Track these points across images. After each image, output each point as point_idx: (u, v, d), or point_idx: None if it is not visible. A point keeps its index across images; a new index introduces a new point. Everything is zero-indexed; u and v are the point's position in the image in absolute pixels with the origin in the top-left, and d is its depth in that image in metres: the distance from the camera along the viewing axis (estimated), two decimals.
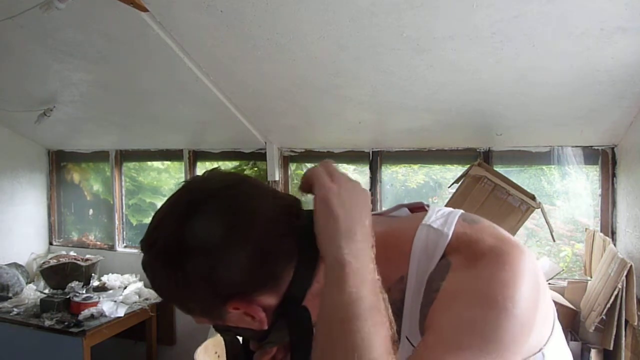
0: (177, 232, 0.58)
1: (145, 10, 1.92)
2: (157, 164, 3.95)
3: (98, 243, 3.98)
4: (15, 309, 3.08)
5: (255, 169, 3.49)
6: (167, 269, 0.59)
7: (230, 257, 0.58)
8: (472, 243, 0.61)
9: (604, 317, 2.02)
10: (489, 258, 0.58)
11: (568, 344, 0.76)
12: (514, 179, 2.34)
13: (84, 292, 3.17)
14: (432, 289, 0.61)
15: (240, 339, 0.70)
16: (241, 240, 0.58)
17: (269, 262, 0.60)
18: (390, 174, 3.14)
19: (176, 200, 0.62)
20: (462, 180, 2.32)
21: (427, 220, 0.67)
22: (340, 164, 3.29)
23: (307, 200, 0.68)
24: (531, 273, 0.58)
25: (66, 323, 2.85)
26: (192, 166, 3.56)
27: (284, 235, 0.60)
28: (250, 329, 0.63)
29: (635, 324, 1.96)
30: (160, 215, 0.61)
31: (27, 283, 3.47)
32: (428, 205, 0.74)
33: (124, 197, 3.89)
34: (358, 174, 3.21)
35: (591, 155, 2.58)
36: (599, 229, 2.56)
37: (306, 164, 3.39)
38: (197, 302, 0.61)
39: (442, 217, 0.67)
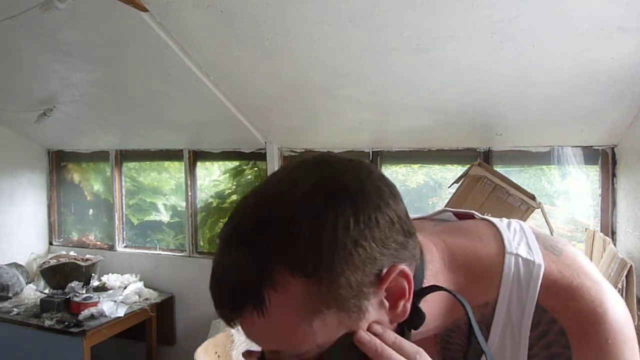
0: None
1: (145, 10, 1.92)
2: (157, 163, 3.95)
3: (98, 243, 3.98)
4: (15, 309, 3.09)
5: (255, 169, 3.49)
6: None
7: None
8: (575, 292, 0.58)
9: None
10: (609, 332, 0.56)
11: None
12: (514, 179, 2.34)
13: (84, 292, 3.17)
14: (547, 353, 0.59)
15: None
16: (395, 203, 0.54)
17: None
18: (390, 173, 3.14)
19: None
20: (462, 180, 2.32)
21: (510, 248, 0.63)
22: None
23: None
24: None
25: (66, 323, 2.85)
26: (192, 166, 3.57)
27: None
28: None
29: (636, 324, 1.96)
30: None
31: (27, 283, 3.47)
32: (474, 215, 0.71)
33: (124, 197, 3.89)
34: None
35: (591, 155, 2.58)
36: (599, 229, 2.56)
37: None
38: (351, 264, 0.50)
39: (522, 241, 0.64)
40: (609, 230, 2.54)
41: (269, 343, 0.53)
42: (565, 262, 0.62)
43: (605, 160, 2.56)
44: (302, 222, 0.48)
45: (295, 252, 0.48)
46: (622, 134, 2.41)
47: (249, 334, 0.53)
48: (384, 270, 0.52)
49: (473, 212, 0.74)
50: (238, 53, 2.23)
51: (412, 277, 0.54)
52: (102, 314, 2.97)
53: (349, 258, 0.49)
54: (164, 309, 3.45)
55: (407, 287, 0.54)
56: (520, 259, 0.62)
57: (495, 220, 0.70)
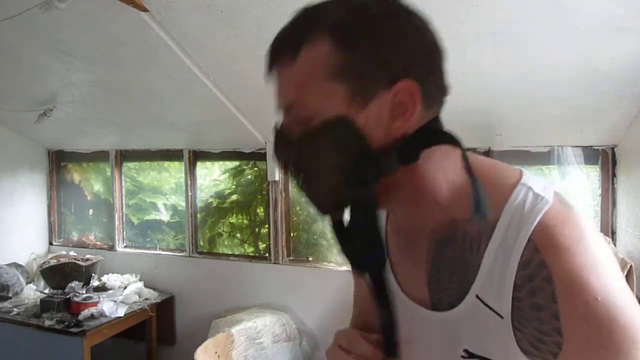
0: None
1: (145, 10, 1.92)
2: (157, 163, 3.95)
3: (98, 243, 3.98)
4: (15, 309, 3.08)
5: (255, 169, 3.49)
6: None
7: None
8: (566, 238, 0.57)
9: None
10: (598, 290, 0.54)
11: None
12: None
13: (84, 292, 3.17)
14: (531, 287, 0.58)
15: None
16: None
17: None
18: None
19: None
20: None
21: (527, 181, 0.63)
22: None
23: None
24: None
25: (66, 323, 2.85)
26: (192, 166, 3.57)
27: None
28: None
29: None
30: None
31: (27, 283, 3.47)
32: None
33: (124, 197, 3.89)
34: None
35: (591, 155, 2.58)
36: (599, 229, 2.56)
37: None
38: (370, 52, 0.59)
39: (540, 181, 0.64)
40: (609, 230, 2.54)
41: (287, 92, 0.63)
42: (571, 216, 0.60)
43: (605, 160, 2.56)
44: (350, 4, 0.60)
45: (338, 20, 0.58)
46: (622, 134, 2.41)
47: (278, 81, 0.64)
48: (398, 82, 0.58)
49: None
50: (238, 53, 2.23)
51: (418, 98, 0.59)
52: (102, 314, 2.97)
53: (379, 43, 0.58)
54: (164, 309, 3.45)
55: (410, 104, 0.59)
56: (531, 192, 0.62)
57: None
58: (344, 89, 0.58)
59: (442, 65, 0.62)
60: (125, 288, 3.35)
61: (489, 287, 0.61)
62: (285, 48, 0.61)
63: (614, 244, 2.43)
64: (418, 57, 0.60)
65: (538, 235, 0.58)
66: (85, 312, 2.95)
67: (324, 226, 3.28)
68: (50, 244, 4.08)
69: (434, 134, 0.63)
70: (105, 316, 2.96)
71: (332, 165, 0.60)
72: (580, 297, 0.54)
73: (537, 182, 0.64)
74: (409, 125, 0.60)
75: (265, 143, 3.15)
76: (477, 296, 0.62)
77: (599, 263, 0.56)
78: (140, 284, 3.45)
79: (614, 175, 2.53)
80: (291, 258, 3.30)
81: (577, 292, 0.54)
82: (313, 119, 0.60)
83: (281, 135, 0.68)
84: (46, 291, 3.29)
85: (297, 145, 0.63)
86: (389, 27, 0.59)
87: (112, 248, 3.85)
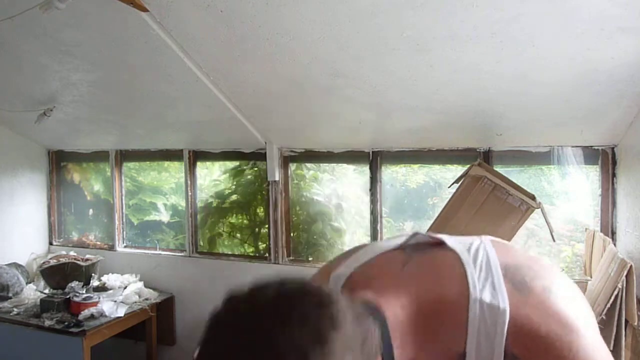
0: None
1: (145, 10, 1.92)
2: (157, 163, 3.95)
3: (98, 243, 3.98)
4: (15, 309, 3.09)
5: (255, 169, 3.49)
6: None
7: None
8: (538, 338, 0.58)
9: (604, 317, 2.01)
10: None
11: None
12: (514, 179, 2.34)
13: (84, 292, 3.17)
14: None
15: None
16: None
17: None
18: (390, 173, 3.14)
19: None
20: (462, 180, 2.32)
21: (475, 291, 0.63)
22: (340, 164, 3.30)
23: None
24: None
25: (66, 323, 2.86)
26: (192, 166, 3.57)
27: None
28: None
29: (635, 324, 1.96)
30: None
31: (27, 283, 3.47)
32: (443, 242, 0.72)
33: (124, 197, 3.89)
34: (358, 174, 3.22)
35: (591, 155, 2.58)
36: (599, 229, 2.56)
37: (306, 164, 3.39)
38: None
39: (488, 281, 0.63)
40: (609, 230, 2.54)
41: None
42: (533, 303, 0.61)
43: (605, 160, 2.56)
44: None
45: None
46: (622, 134, 2.41)
47: None
48: None
49: (442, 238, 0.74)
50: (238, 53, 2.23)
51: None
52: (102, 314, 2.97)
53: None
54: (164, 309, 3.45)
55: None
56: (485, 304, 0.61)
57: (461, 251, 0.70)
58: None
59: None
60: (125, 288, 3.35)
61: None
62: None
63: (614, 244, 2.43)
64: None
65: (512, 345, 0.59)
66: (85, 312, 2.95)
67: (323, 226, 3.29)
68: (50, 244, 4.08)
69: None
70: (105, 316, 2.96)
71: None
72: None
73: (484, 282, 0.64)
74: None
75: (265, 143, 3.15)
76: None
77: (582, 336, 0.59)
78: (140, 284, 3.45)
79: (614, 175, 2.53)
80: (291, 258, 3.30)
81: None
82: None
83: None
84: (46, 291, 3.29)
85: None
86: None
87: (112, 248, 3.85)
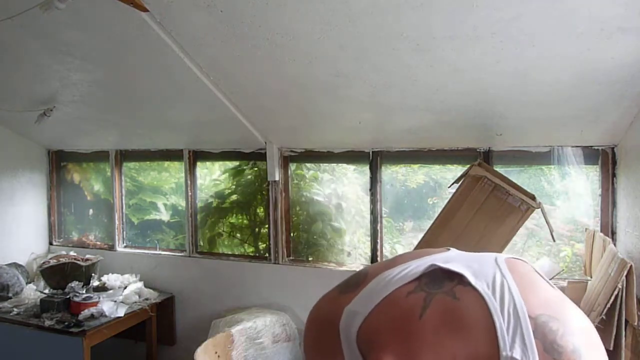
0: None
1: (145, 10, 1.92)
2: (157, 163, 3.95)
3: (98, 243, 3.98)
4: (15, 309, 3.09)
5: (255, 169, 3.49)
6: None
7: None
8: None
9: (604, 317, 2.01)
10: None
11: None
12: (514, 179, 2.34)
13: (84, 292, 3.17)
14: None
15: None
16: None
17: None
18: (390, 173, 3.14)
19: None
20: (462, 180, 2.32)
21: (505, 349, 0.61)
22: (340, 164, 3.30)
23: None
24: None
25: (66, 323, 2.86)
26: (192, 166, 3.57)
27: None
28: None
29: (635, 324, 1.96)
30: None
31: (27, 283, 3.47)
32: (462, 276, 0.69)
33: (124, 197, 3.89)
34: (358, 174, 3.22)
35: (591, 155, 2.58)
36: (599, 229, 2.56)
37: (306, 164, 3.39)
38: None
39: (516, 333, 0.61)
40: (609, 230, 2.54)
41: None
42: None
43: (605, 160, 2.56)
44: None
45: None
46: (622, 134, 2.41)
47: None
48: None
49: (461, 272, 0.71)
50: (238, 53, 2.23)
51: None
52: (102, 314, 2.97)
53: None
54: (164, 309, 3.45)
55: None
56: None
57: (484, 292, 0.66)
58: None
59: None
60: (125, 288, 3.36)
61: None
62: None
63: (614, 244, 2.43)
64: None
65: None
66: (85, 312, 2.95)
67: (323, 226, 3.29)
68: (50, 244, 4.08)
69: None
70: (105, 316, 2.96)
71: None
72: None
73: (514, 336, 0.62)
74: None
75: (265, 143, 3.15)
76: None
77: None
78: (140, 284, 3.45)
79: (614, 175, 2.53)
80: (291, 258, 3.30)
81: None
82: None
83: None
84: (46, 291, 3.29)
85: None
86: None
87: (112, 248, 3.85)
